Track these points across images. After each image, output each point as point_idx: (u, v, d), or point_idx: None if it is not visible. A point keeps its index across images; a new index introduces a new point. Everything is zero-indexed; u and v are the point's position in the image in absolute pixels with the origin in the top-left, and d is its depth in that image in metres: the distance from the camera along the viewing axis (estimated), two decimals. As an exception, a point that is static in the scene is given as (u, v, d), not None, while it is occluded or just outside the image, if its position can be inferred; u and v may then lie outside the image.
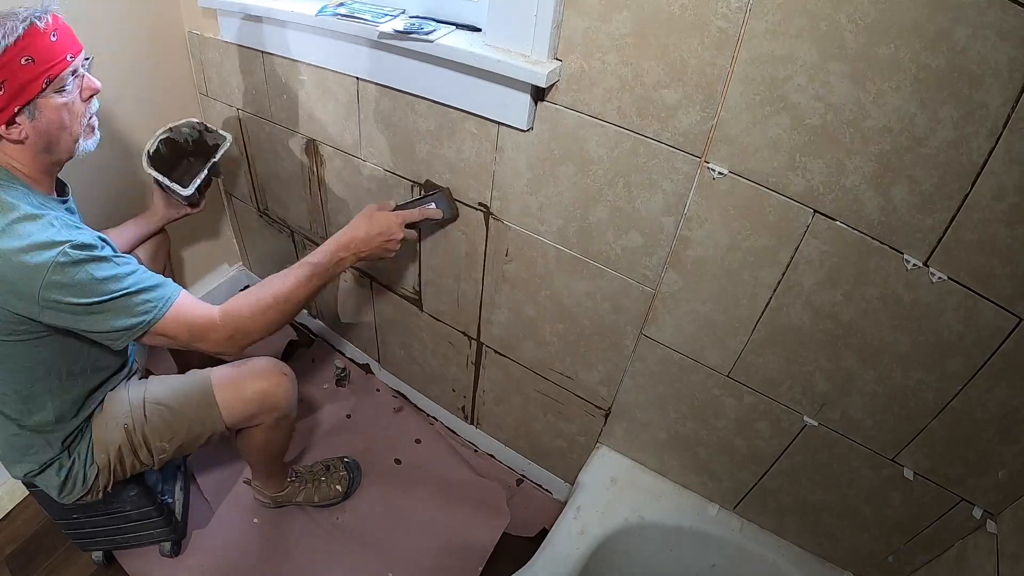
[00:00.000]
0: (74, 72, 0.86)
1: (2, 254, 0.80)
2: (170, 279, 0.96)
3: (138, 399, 1.11)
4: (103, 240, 0.91)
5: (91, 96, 0.91)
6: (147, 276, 0.92)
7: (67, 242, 0.83)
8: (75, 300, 0.83)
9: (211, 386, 1.13)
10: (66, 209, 0.96)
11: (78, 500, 1.09)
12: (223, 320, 0.96)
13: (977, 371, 0.85)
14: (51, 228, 0.84)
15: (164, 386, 1.14)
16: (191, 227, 1.76)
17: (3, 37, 0.77)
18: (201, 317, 0.95)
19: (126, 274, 0.88)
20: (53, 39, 0.82)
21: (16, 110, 0.80)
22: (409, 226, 1.14)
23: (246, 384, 1.15)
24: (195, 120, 1.36)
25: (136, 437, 1.09)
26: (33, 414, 0.99)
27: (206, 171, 1.27)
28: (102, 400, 1.09)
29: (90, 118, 0.92)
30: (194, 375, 1.17)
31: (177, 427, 1.11)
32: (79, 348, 0.97)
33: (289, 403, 1.20)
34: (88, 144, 0.93)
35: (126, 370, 1.15)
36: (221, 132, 1.37)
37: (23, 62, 0.78)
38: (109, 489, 1.11)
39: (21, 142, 0.84)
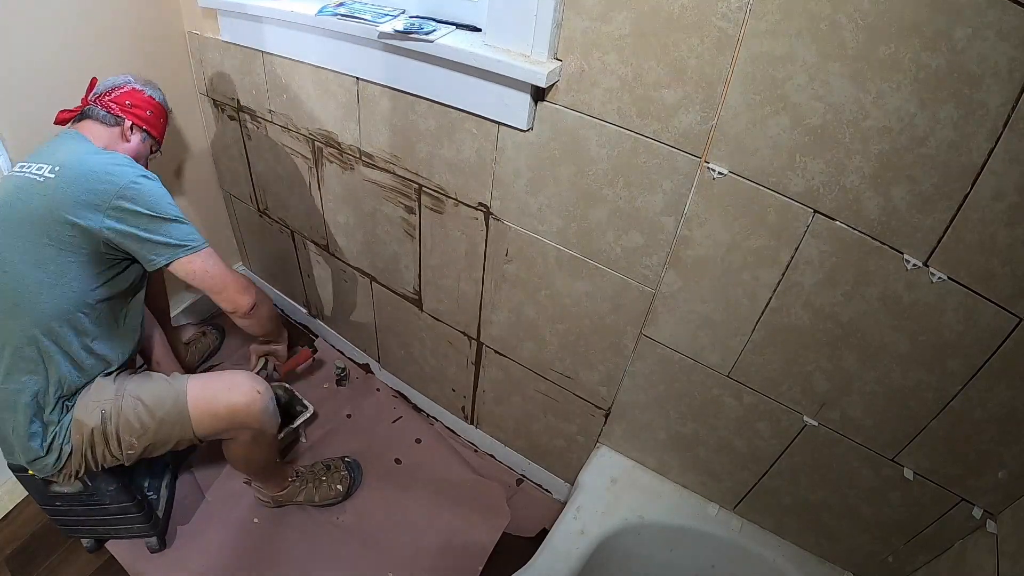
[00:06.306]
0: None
1: (88, 163, 1.03)
2: None
3: (121, 388, 1.13)
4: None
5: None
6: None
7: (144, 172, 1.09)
8: (141, 210, 1.03)
9: (185, 394, 1.15)
10: None
11: (49, 478, 1.12)
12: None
13: (977, 371, 0.85)
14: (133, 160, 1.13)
15: (145, 382, 1.16)
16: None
17: (168, 102, 1.29)
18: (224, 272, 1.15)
19: (180, 214, 1.10)
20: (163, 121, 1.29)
21: (144, 129, 1.22)
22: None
23: (218, 398, 1.16)
24: (288, 385, 1.66)
25: (110, 427, 1.10)
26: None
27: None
28: (91, 383, 1.12)
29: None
30: (173, 379, 1.18)
31: (148, 425, 1.12)
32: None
33: (261, 421, 1.20)
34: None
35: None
36: (305, 402, 1.64)
37: (161, 120, 1.27)
38: (81, 476, 1.13)
39: (128, 142, 1.20)
